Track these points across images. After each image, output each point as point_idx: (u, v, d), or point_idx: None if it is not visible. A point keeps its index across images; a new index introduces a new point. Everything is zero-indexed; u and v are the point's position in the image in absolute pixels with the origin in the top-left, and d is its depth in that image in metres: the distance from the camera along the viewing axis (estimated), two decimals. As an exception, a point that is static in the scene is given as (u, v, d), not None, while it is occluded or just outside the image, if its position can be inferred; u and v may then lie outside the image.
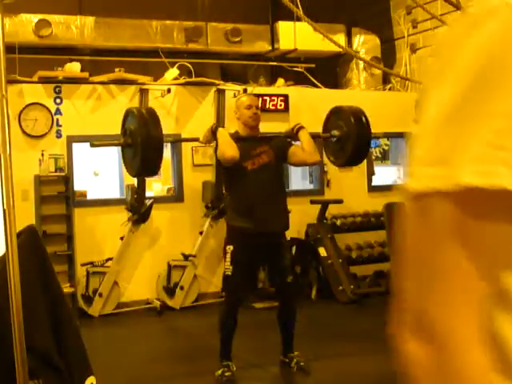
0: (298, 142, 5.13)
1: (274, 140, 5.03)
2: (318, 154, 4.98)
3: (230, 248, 4.75)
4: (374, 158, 9.43)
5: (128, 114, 4.87)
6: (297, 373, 5.01)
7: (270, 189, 4.83)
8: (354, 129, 5.20)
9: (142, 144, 4.58)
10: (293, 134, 5.06)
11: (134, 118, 4.71)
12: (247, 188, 4.77)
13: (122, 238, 7.46)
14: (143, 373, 5.17)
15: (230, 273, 4.73)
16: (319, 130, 7.86)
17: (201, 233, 7.77)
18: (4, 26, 2.75)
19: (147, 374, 5.12)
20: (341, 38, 9.32)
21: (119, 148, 8.65)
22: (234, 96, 8.17)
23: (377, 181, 9.18)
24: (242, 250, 4.72)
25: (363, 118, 5.25)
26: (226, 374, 4.71)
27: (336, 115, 5.39)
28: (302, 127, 5.04)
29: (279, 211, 4.88)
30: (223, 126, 8.00)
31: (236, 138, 4.82)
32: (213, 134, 4.82)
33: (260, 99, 8.40)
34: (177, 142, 7.87)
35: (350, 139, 5.22)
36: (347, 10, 10.52)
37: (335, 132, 5.32)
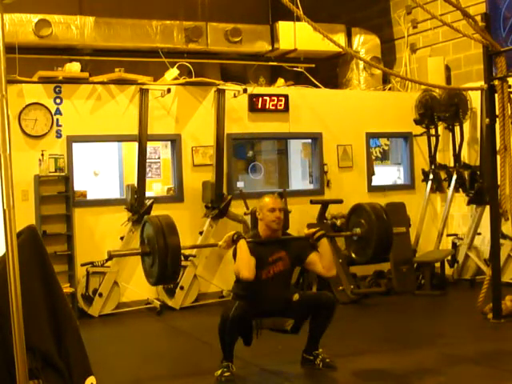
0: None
1: (294, 244, 4.99)
2: (335, 268, 4.98)
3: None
4: (374, 157, 9.42)
5: (145, 222, 4.84)
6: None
7: (280, 293, 4.86)
8: (375, 227, 5.15)
9: (160, 252, 4.57)
10: (313, 241, 4.94)
11: (151, 226, 4.68)
12: (258, 293, 4.77)
13: (122, 238, 7.46)
14: (143, 373, 5.16)
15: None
16: (319, 130, 7.88)
17: (201, 233, 7.77)
18: (4, 26, 2.75)
19: (147, 374, 5.11)
20: (341, 38, 9.33)
21: (120, 147, 8.71)
22: (234, 96, 8.17)
23: (377, 181, 9.18)
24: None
25: (384, 216, 5.21)
26: (225, 374, 4.70)
27: (357, 213, 5.37)
28: (323, 235, 4.93)
29: (285, 303, 4.88)
30: (223, 127, 8.01)
31: (255, 242, 4.82)
32: (233, 242, 4.78)
33: (260, 99, 8.42)
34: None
35: (372, 238, 5.19)
36: (347, 10, 10.53)
37: (357, 230, 5.29)
